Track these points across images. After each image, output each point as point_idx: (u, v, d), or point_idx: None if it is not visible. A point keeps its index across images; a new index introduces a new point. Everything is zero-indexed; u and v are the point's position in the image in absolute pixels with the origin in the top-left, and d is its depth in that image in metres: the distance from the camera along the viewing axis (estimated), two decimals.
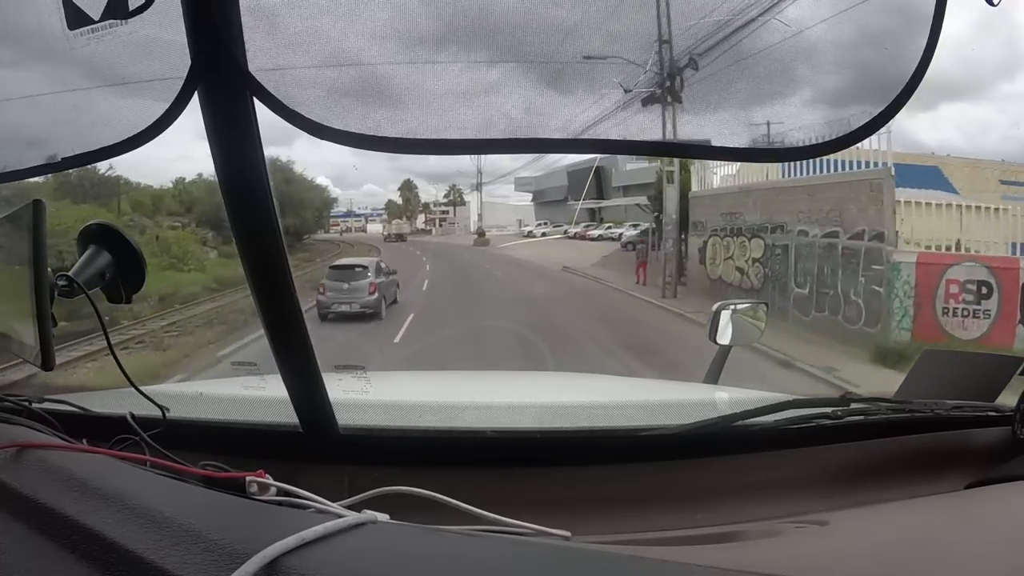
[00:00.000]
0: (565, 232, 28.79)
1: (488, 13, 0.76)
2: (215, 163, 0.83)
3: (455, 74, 0.79)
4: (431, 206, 33.71)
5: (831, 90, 0.80)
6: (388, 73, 0.81)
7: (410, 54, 0.79)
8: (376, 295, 10.74)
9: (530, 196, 33.26)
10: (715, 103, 0.80)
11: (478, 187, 31.32)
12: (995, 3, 0.72)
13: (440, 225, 33.33)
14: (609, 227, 26.47)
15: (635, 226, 23.41)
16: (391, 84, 0.81)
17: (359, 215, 32.52)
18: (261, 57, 0.77)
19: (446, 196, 33.56)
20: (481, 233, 29.83)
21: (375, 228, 31.75)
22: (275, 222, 0.87)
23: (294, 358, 0.99)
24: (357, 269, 11.39)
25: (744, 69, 0.78)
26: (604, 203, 27.24)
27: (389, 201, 33.45)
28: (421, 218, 33.34)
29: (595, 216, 28.75)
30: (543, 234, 29.97)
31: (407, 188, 33.08)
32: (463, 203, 32.90)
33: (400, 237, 29.47)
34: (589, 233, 27.09)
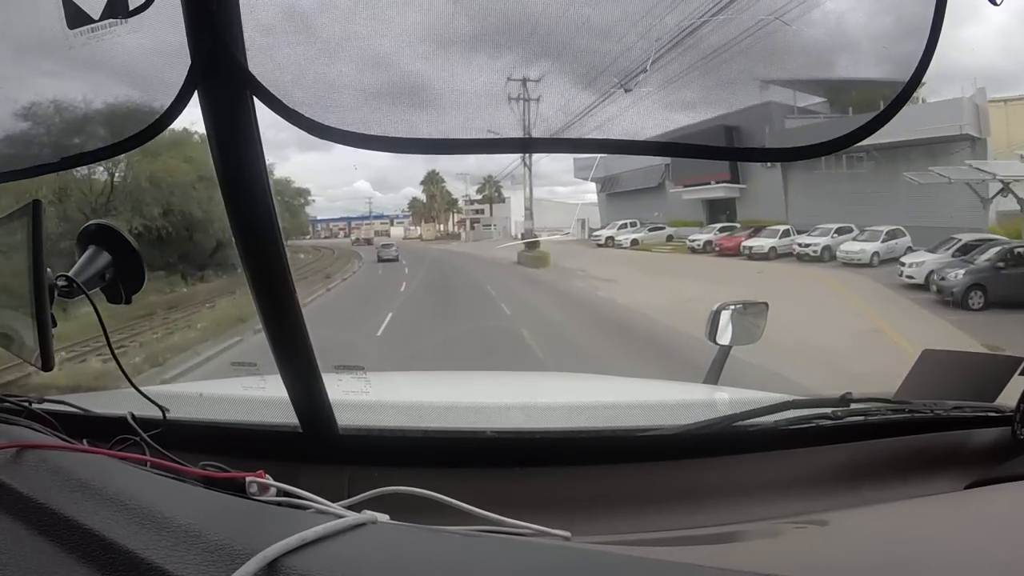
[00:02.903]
0: (670, 238, 17.67)
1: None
2: (215, 163, 0.83)
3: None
4: (460, 203, 25.74)
5: (834, 89, 0.80)
6: (397, 72, 0.80)
7: (424, 51, 0.78)
8: (397, 253, 20.59)
9: (595, 186, 22.03)
10: (726, 101, 0.80)
11: (524, 165, 18.69)
12: (998, 3, 0.72)
13: (472, 227, 25.19)
14: (786, 231, 14.91)
15: (856, 230, 13.16)
16: (404, 84, 0.80)
17: (386, 217, 27.40)
18: (262, 56, 0.76)
19: (480, 191, 25.12)
20: (532, 241, 18.20)
21: (397, 232, 25.84)
22: (275, 222, 0.87)
23: (294, 358, 0.99)
24: (390, 244, 22.15)
25: (749, 67, 0.78)
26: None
27: (413, 199, 26.25)
28: (454, 219, 25.90)
29: (718, 212, 17.38)
30: (633, 242, 18.38)
31: (431, 182, 25.28)
32: (501, 200, 24.55)
33: (367, 241, 24.86)
34: (753, 245, 15.23)
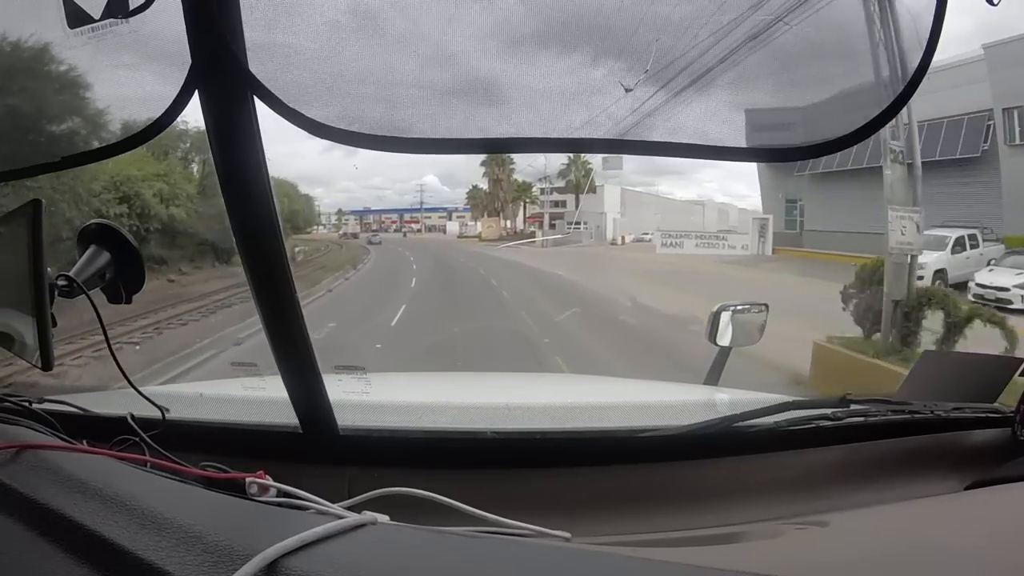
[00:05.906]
0: None
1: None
2: (215, 163, 0.83)
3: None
4: (535, 190, 18.69)
5: (835, 88, 0.79)
6: (399, 72, 0.79)
7: (428, 49, 0.78)
8: (381, 240, 22.84)
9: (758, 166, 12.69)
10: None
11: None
12: (995, 3, 0.72)
13: (552, 225, 18.21)
14: None
15: None
16: (408, 83, 0.80)
17: (444, 210, 23.92)
18: (262, 55, 0.76)
19: (562, 176, 18.04)
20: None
21: (453, 228, 22.37)
22: (275, 222, 0.87)
23: (294, 358, 0.99)
24: (377, 236, 23.83)
25: (755, 65, 0.78)
26: None
27: (473, 187, 19.91)
28: (526, 212, 19.30)
29: None
30: None
31: (495, 163, 18.09)
32: (592, 189, 17.53)
33: (354, 235, 22.78)
34: None
